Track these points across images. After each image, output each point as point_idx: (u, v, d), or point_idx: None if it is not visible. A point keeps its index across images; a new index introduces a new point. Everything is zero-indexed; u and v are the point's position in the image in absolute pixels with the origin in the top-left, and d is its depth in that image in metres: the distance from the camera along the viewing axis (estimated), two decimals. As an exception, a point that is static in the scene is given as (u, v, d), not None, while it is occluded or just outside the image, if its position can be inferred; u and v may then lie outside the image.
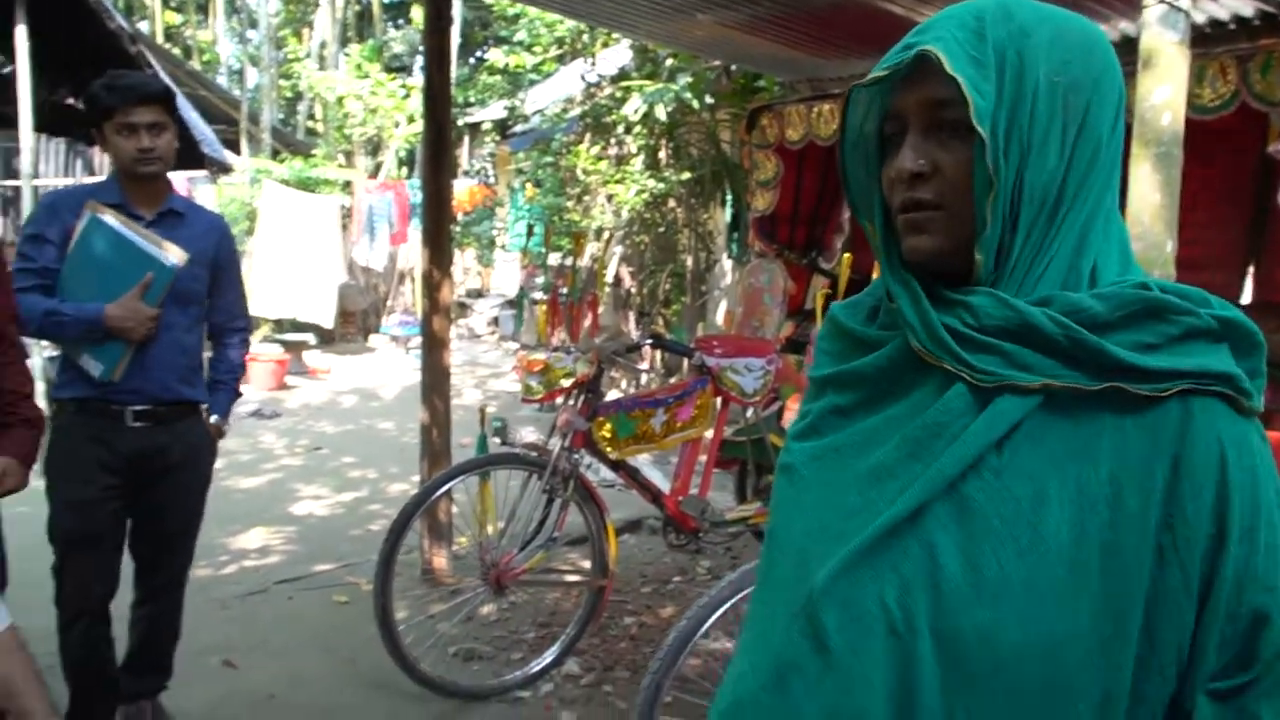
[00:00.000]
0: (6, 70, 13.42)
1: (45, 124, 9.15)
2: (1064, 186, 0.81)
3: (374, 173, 14.08)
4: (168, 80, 11.68)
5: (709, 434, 3.67)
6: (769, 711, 0.84)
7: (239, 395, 2.97)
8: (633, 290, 8.39)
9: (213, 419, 2.83)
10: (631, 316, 8.28)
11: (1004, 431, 0.79)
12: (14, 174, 10.31)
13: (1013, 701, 0.77)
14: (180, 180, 10.56)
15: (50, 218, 2.58)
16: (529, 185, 10.79)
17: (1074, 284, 0.82)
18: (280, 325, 10.81)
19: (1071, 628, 0.76)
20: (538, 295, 8.76)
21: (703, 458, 3.77)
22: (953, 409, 0.81)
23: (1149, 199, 2.10)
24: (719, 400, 3.64)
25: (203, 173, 11.32)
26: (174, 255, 2.57)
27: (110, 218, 2.56)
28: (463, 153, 15.78)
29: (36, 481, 2.36)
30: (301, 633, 3.69)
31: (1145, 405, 0.78)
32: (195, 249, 2.65)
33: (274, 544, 4.77)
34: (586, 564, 3.67)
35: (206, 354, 2.89)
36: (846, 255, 3.25)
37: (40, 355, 5.85)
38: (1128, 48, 2.76)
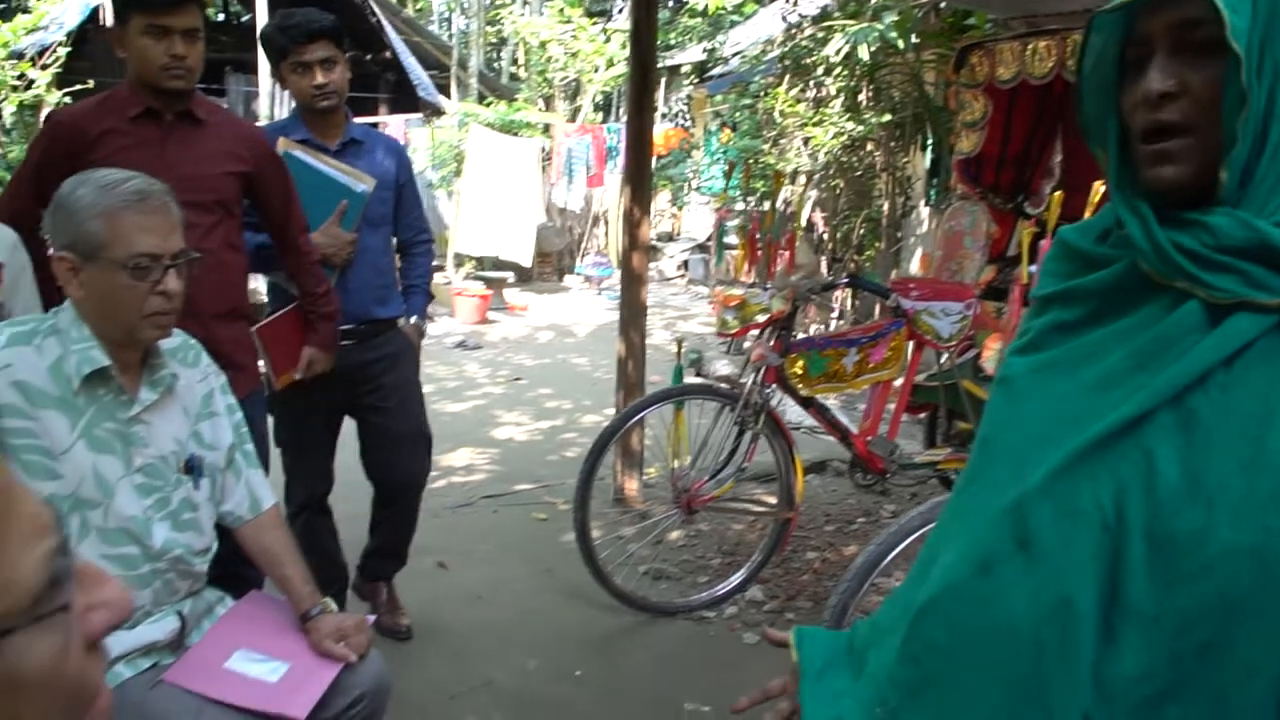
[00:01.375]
0: (245, 19, 14.47)
1: (280, 69, 9.83)
2: None
3: (572, 117, 14.39)
4: (388, 25, 12.24)
5: (900, 378, 3.67)
6: (976, 596, 0.88)
7: (431, 298, 3.19)
8: (825, 236, 8.30)
9: (411, 320, 3.06)
10: (824, 261, 8.21)
11: (1236, 349, 0.79)
12: (253, 117, 11.21)
13: (1223, 605, 0.78)
14: (397, 123, 11.17)
15: None
16: (724, 128, 10.80)
17: None
18: (482, 263, 11.33)
19: None
20: (732, 240, 8.82)
21: (893, 401, 3.77)
22: (1184, 324, 0.82)
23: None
24: (912, 344, 3.63)
25: (418, 115, 11.93)
26: (363, 182, 2.77)
27: (301, 152, 2.77)
28: (660, 96, 15.89)
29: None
30: (504, 543, 3.98)
31: None
32: (379, 173, 2.84)
33: (478, 463, 5.12)
34: (772, 500, 3.77)
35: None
36: (1057, 194, 3.15)
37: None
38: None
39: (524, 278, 12.10)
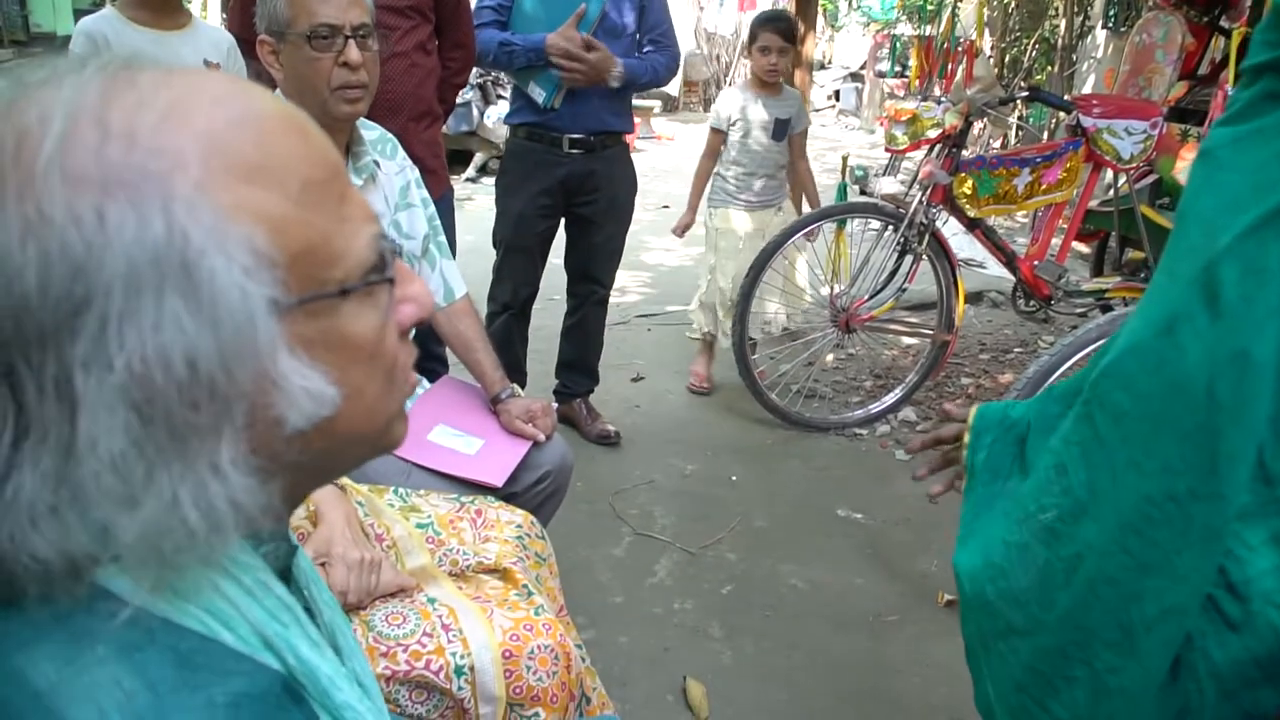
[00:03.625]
0: None
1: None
2: None
3: (723, -65, 13.73)
4: None
5: (1073, 203, 3.52)
6: (1155, 354, 0.88)
7: (643, 75, 2.99)
8: (992, 59, 7.83)
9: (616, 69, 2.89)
10: (988, 88, 7.79)
11: None
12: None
13: None
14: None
15: None
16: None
17: None
18: (629, 91, 11.20)
19: None
20: (883, 67, 8.41)
21: (1063, 226, 3.63)
22: None
23: None
24: (1090, 166, 3.46)
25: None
26: None
27: None
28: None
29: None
30: (659, 359, 4.12)
31: None
32: None
33: (631, 285, 5.23)
34: (929, 325, 3.73)
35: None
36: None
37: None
38: None
39: (670, 107, 11.92)
